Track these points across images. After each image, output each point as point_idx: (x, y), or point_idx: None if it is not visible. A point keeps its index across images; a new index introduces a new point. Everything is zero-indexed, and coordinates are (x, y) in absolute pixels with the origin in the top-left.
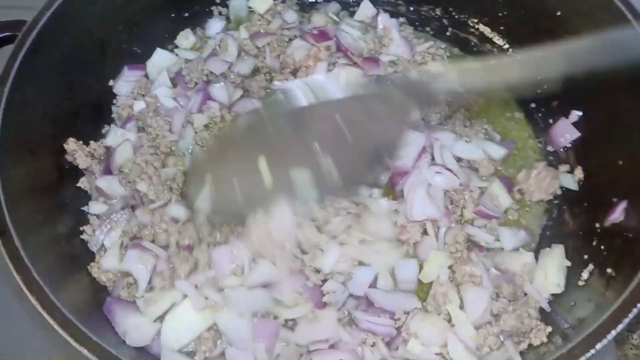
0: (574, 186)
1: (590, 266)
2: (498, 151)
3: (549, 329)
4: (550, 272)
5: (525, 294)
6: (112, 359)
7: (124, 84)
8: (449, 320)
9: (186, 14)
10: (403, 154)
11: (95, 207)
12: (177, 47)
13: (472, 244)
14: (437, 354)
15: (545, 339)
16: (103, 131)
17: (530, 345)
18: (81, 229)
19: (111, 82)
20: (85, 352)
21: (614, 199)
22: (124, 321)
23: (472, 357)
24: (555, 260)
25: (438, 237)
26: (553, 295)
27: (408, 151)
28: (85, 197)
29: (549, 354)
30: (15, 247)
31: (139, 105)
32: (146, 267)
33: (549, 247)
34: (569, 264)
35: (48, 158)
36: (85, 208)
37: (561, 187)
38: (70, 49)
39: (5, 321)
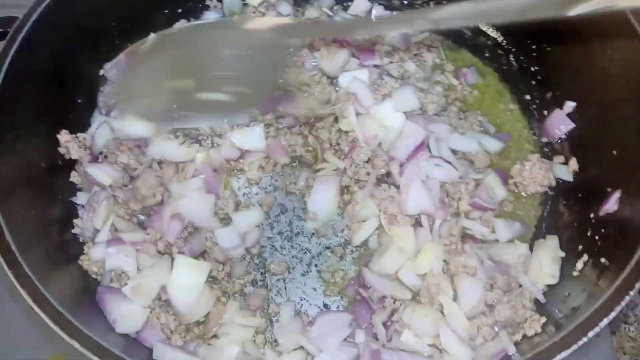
0: (568, 177)
1: (585, 256)
2: (494, 144)
3: (543, 319)
4: (544, 263)
5: (520, 285)
6: (104, 350)
7: (118, 71)
8: (442, 311)
9: (179, 10)
10: (399, 145)
11: (83, 198)
12: None
13: (466, 237)
14: (430, 345)
15: (539, 329)
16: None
17: (524, 335)
18: (74, 221)
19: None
20: (76, 345)
21: (608, 189)
22: (115, 309)
23: (466, 347)
24: (549, 252)
25: (433, 229)
26: (548, 286)
27: (404, 143)
28: (77, 190)
29: (543, 344)
30: (7, 241)
31: None
32: (130, 258)
33: (544, 238)
34: (563, 254)
35: (40, 153)
36: (74, 199)
37: (556, 179)
38: (62, 45)
39: (1, 320)
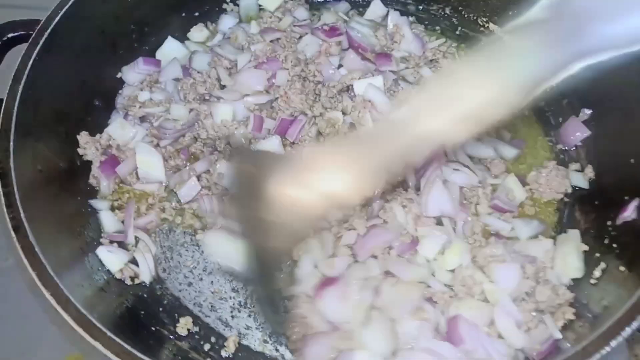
0: (584, 185)
1: (603, 264)
2: (509, 151)
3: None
4: (569, 256)
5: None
6: (126, 352)
7: (135, 74)
8: (484, 300)
9: (196, 14)
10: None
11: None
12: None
13: (489, 235)
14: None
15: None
16: None
17: (565, 325)
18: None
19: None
20: (99, 346)
21: (626, 197)
22: None
23: (520, 332)
24: (572, 244)
25: (456, 230)
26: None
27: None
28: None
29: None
30: (30, 243)
31: (144, 96)
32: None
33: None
34: (586, 248)
35: (60, 154)
36: (92, 202)
37: (572, 186)
38: (82, 47)
39: (19, 319)
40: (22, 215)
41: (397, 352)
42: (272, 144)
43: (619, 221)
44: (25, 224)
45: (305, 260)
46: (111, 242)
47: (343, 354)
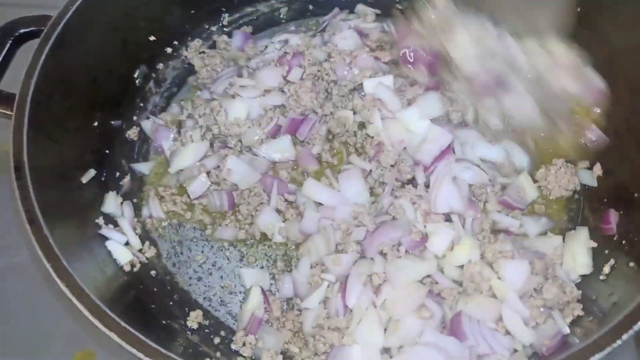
0: (593, 182)
1: (612, 261)
2: (522, 159)
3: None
4: (577, 253)
5: (555, 276)
6: (141, 343)
7: None
8: (492, 296)
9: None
10: (424, 149)
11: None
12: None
13: (498, 232)
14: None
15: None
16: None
17: (573, 320)
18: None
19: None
20: (114, 337)
21: (635, 194)
22: None
23: (528, 328)
24: (581, 241)
25: (465, 227)
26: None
27: (430, 147)
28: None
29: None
30: (45, 235)
31: None
32: None
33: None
34: (595, 244)
35: (72, 148)
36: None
37: (581, 184)
38: (93, 43)
39: (31, 315)
40: (37, 208)
41: (401, 347)
42: (282, 143)
43: (607, 232)
44: (40, 217)
45: (304, 261)
46: (106, 223)
47: (336, 348)
